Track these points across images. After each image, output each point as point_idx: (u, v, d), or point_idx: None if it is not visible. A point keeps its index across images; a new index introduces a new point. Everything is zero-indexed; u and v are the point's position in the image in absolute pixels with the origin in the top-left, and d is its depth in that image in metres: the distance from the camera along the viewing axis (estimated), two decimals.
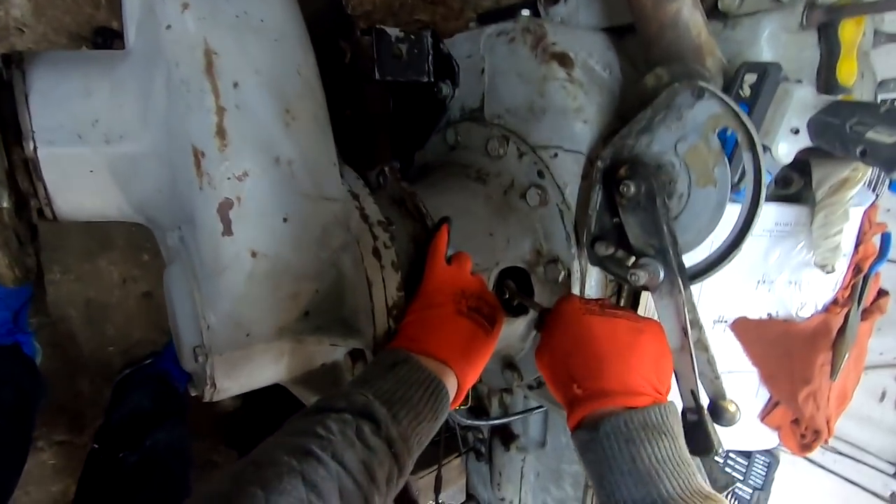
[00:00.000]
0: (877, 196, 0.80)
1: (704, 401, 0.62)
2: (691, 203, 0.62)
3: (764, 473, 1.18)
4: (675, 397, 0.58)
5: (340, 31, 0.91)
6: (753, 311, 0.79)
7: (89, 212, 0.66)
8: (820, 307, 0.80)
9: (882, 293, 0.94)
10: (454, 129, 0.89)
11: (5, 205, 0.56)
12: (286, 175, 0.60)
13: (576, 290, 0.77)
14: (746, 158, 0.56)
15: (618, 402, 0.51)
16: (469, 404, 1.02)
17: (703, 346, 0.62)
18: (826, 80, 0.63)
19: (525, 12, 0.85)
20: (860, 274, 0.82)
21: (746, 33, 0.67)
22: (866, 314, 0.85)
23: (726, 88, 0.64)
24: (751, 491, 1.22)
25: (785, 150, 0.62)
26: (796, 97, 0.60)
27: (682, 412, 0.61)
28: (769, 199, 0.77)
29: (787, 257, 0.77)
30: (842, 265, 0.79)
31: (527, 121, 0.80)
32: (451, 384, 0.59)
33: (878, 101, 0.71)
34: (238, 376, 0.63)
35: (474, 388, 1.05)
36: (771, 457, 1.16)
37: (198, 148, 0.56)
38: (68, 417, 1.34)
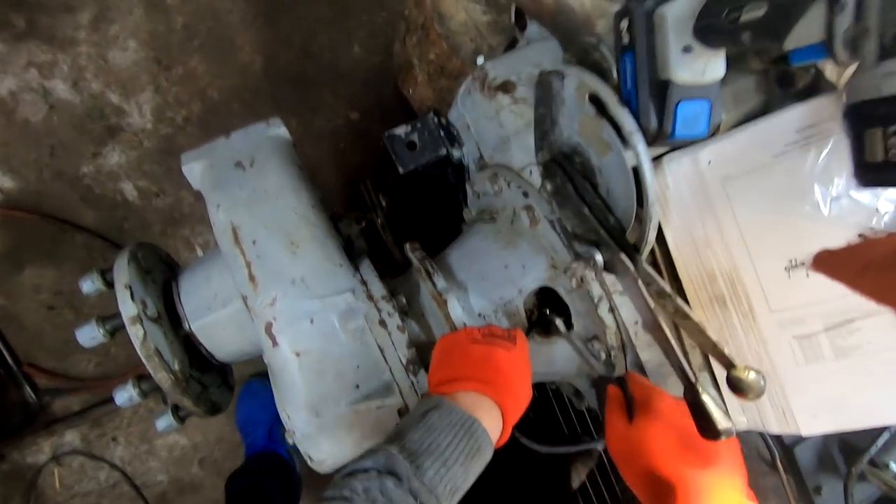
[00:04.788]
0: None
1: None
2: (606, 174, 0.58)
3: None
4: None
5: None
6: (823, 243, 0.61)
7: (234, 355, 0.96)
8: None
9: None
10: (471, 184, 0.97)
11: (177, 367, 0.89)
12: (301, 289, 0.79)
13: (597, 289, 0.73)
14: (615, 112, 0.52)
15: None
16: None
17: (682, 315, 0.54)
18: None
19: (479, 59, 0.92)
20: None
21: None
22: None
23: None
24: None
25: (686, 73, 0.52)
26: (671, 16, 0.52)
27: (684, 394, 0.54)
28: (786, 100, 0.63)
29: (830, 163, 0.59)
30: None
31: (504, 151, 0.85)
32: (490, 413, 0.60)
33: None
34: (325, 448, 0.80)
35: None
36: None
37: (243, 294, 0.80)
38: None
